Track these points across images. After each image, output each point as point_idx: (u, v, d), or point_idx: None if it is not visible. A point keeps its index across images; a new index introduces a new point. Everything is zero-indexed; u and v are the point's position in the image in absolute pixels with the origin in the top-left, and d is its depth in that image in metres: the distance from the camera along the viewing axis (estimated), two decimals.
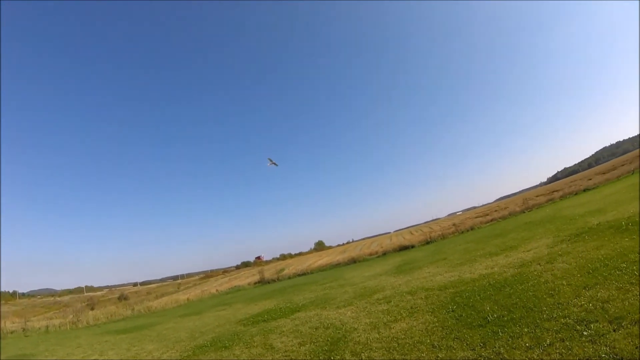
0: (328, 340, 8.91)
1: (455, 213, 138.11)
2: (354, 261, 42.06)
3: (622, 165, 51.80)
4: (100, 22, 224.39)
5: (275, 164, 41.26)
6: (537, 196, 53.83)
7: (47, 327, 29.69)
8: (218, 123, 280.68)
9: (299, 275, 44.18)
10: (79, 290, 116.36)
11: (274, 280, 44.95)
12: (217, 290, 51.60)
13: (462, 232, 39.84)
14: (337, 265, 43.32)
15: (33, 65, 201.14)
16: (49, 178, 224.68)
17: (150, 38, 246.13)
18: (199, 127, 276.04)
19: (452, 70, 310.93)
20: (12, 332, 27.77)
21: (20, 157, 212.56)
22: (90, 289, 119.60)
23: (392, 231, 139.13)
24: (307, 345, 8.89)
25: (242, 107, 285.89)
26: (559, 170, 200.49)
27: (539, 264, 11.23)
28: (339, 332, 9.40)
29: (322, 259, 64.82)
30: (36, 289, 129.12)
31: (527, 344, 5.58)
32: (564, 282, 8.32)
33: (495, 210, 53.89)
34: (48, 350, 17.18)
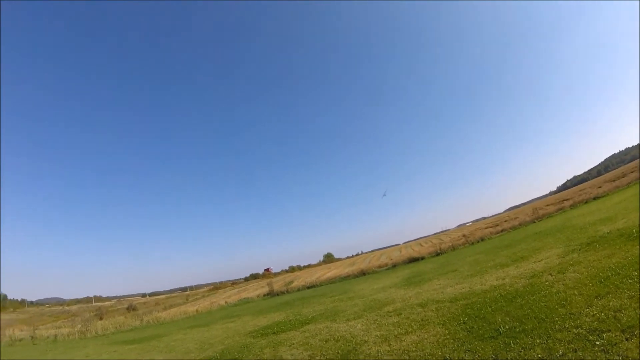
0: (338, 352, 8.88)
1: (465, 224, 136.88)
2: (363, 273, 41.81)
3: (632, 172, 51.22)
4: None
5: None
6: (547, 205, 53.35)
7: (55, 335, 29.86)
8: (231, 135, 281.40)
9: (308, 287, 44.00)
10: (87, 300, 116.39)
11: (282, 293, 44.81)
12: (225, 302, 51.45)
13: (472, 243, 39.53)
14: (346, 278, 43.11)
15: (49, 70, 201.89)
16: (58, 187, 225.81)
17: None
18: (209, 139, 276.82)
19: (457, 79, 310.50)
20: (20, 340, 28.04)
21: (31, 165, 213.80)
22: (99, 299, 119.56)
23: (401, 243, 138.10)
24: (318, 358, 8.87)
25: (255, 117, 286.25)
26: (569, 178, 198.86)
27: (550, 274, 11.15)
28: (349, 345, 9.36)
29: (331, 271, 64.55)
30: (45, 297, 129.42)
31: (539, 355, 5.54)
32: (576, 292, 8.25)
33: (505, 221, 53.37)
34: (56, 359, 17.26)
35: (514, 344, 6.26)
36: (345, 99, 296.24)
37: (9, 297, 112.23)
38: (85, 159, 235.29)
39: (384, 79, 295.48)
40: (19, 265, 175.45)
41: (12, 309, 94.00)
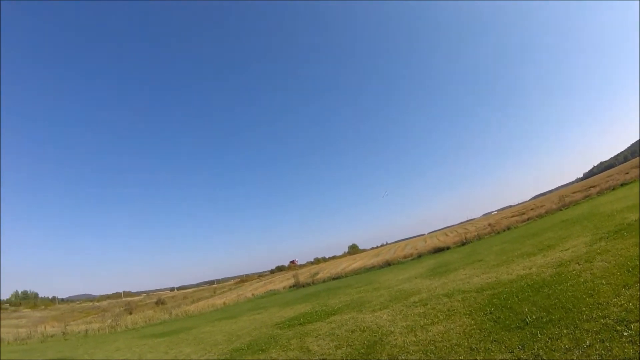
0: (364, 343, 8.97)
1: (491, 213, 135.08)
2: (388, 264, 41.76)
3: None
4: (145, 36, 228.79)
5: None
6: (573, 193, 52.25)
7: (86, 331, 30.69)
8: (257, 132, 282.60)
9: (333, 278, 44.17)
10: (117, 295, 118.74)
11: (308, 284, 45.10)
12: (252, 294, 52.08)
13: (498, 232, 39.08)
14: (371, 269, 43.09)
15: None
16: (85, 186, 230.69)
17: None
18: (237, 136, 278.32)
19: (480, 67, 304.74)
20: (52, 336, 28.85)
21: (60, 165, 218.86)
22: (128, 294, 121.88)
23: (426, 233, 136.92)
24: (344, 349, 8.98)
25: (280, 114, 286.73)
26: (595, 164, 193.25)
27: (578, 263, 11.02)
28: (375, 335, 9.45)
29: (356, 263, 64.60)
30: (75, 294, 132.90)
31: (566, 346, 5.53)
32: (604, 282, 8.17)
33: (532, 209, 52.55)
34: (87, 353, 17.79)
35: (540, 335, 6.26)
36: (367, 90, 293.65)
37: (40, 295, 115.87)
38: (112, 159, 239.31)
39: (406, 64, 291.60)
40: (49, 264, 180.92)
41: (43, 307, 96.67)
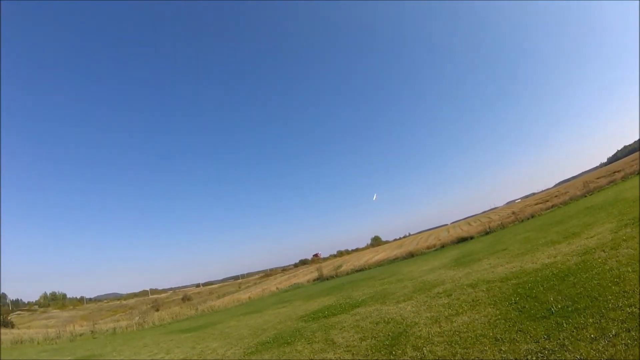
0: (389, 335, 9.02)
1: (514, 201, 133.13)
2: (411, 255, 41.72)
3: None
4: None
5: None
6: (597, 178, 51.30)
7: (114, 328, 31.36)
8: (281, 126, 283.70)
9: (357, 271, 44.35)
10: (144, 293, 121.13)
11: (332, 277, 45.38)
12: (277, 288, 52.61)
13: (522, 221, 38.69)
14: (395, 260, 43.11)
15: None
16: (108, 187, 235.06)
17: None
18: (256, 132, 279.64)
19: (503, 51, 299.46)
20: (80, 335, 29.48)
21: (86, 167, 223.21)
22: (154, 291, 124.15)
23: (449, 223, 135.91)
24: (368, 340, 9.04)
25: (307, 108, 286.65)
26: (619, 149, 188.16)
27: (603, 250, 10.87)
28: (399, 327, 9.49)
29: (379, 254, 64.61)
30: (103, 293, 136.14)
31: (592, 335, 5.50)
32: (629, 269, 8.06)
33: (555, 196, 51.74)
34: (115, 350, 18.17)
35: (566, 324, 6.22)
36: (396, 77, 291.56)
37: (68, 296, 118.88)
38: (139, 157, 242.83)
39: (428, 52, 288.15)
40: (77, 265, 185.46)
41: (71, 307, 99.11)
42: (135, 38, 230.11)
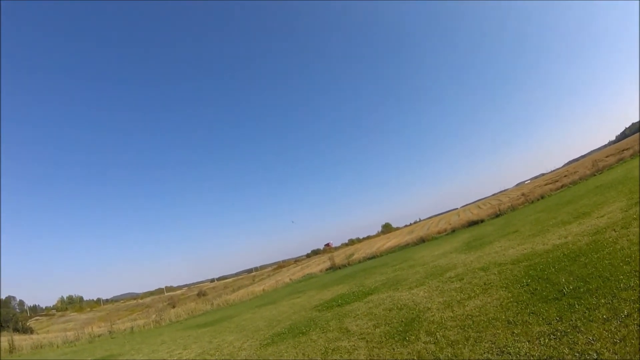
0: (402, 321, 9.10)
1: (524, 182, 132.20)
2: (422, 241, 41.69)
3: None
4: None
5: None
6: (606, 157, 50.76)
7: (131, 328, 31.78)
8: (287, 116, 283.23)
9: (369, 258, 44.45)
10: (159, 291, 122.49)
11: (344, 266, 45.50)
12: (290, 279, 52.90)
13: (532, 202, 38.49)
14: (406, 246, 43.17)
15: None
16: (118, 187, 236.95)
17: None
18: (264, 123, 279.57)
19: (522, 36, 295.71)
20: (99, 336, 29.87)
21: (97, 168, 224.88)
22: (170, 289, 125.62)
23: (459, 207, 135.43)
24: (382, 327, 9.12)
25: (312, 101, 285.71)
26: (627, 126, 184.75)
27: (614, 229, 10.83)
28: (412, 313, 9.56)
29: (390, 241, 64.74)
30: (119, 294, 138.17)
31: (604, 316, 5.52)
32: None
33: (565, 176, 51.33)
34: (134, 349, 18.39)
35: (578, 305, 6.25)
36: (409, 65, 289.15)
37: (85, 298, 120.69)
38: (149, 156, 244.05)
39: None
40: (92, 268, 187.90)
41: (89, 309, 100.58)
42: (135, 39, 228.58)
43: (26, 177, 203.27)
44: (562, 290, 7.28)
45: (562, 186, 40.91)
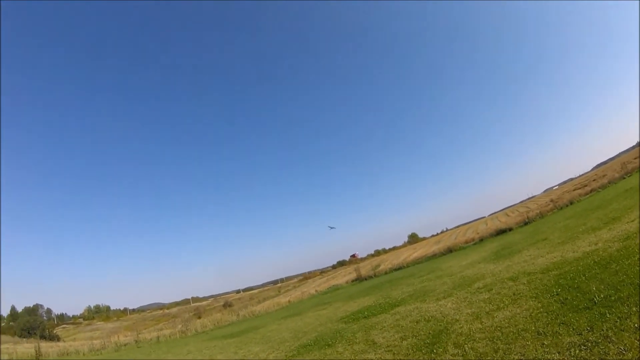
0: (430, 333, 9.03)
1: (552, 188, 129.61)
2: (449, 251, 41.16)
3: None
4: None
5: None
6: (634, 158, 49.58)
7: (157, 337, 32.19)
8: (312, 126, 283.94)
9: (395, 269, 44.06)
10: (185, 301, 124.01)
11: (370, 277, 45.22)
12: (316, 290, 52.94)
13: (561, 208, 37.75)
14: (433, 257, 42.68)
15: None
16: (145, 199, 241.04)
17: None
18: (288, 134, 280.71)
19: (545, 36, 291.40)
20: (125, 345, 30.42)
21: (125, 181, 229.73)
22: (196, 299, 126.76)
23: (486, 215, 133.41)
24: (409, 340, 9.06)
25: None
26: None
27: None
28: (440, 325, 9.48)
29: (417, 251, 64.29)
30: (146, 304, 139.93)
31: (636, 325, 5.42)
32: None
33: (594, 180, 50.34)
34: (160, 358, 18.66)
35: (609, 314, 6.14)
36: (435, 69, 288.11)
37: (112, 308, 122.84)
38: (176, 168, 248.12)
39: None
40: (119, 277, 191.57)
41: (115, 318, 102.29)
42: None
43: (59, 188, 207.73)
44: (593, 299, 7.15)
45: (590, 191, 40.07)
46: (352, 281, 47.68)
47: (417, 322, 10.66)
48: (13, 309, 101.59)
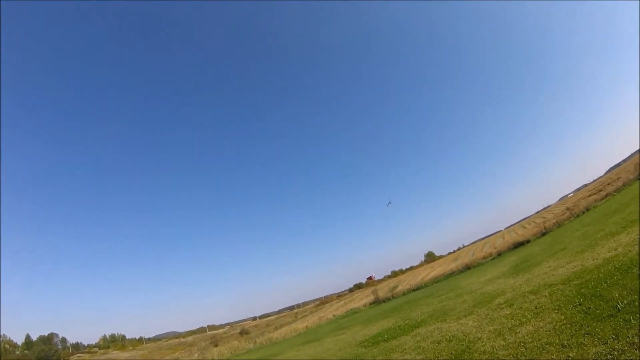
0: (452, 353, 8.86)
1: (567, 195, 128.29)
2: (467, 267, 40.69)
3: None
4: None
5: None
6: None
7: None
8: (329, 145, 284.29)
9: (413, 290, 43.57)
10: (201, 330, 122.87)
11: (388, 299, 44.70)
12: (333, 315, 52.29)
13: (578, 215, 37.18)
14: (451, 274, 42.20)
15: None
16: (158, 226, 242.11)
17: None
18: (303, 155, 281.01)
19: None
20: None
21: (136, 207, 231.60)
22: (212, 327, 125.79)
23: (503, 228, 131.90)
24: None
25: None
26: None
27: None
28: (462, 344, 9.30)
29: (435, 270, 63.57)
30: (161, 332, 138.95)
31: None
32: None
33: (608, 184, 49.65)
34: None
35: (634, 320, 5.99)
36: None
37: (127, 337, 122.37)
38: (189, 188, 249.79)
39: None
40: (134, 306, 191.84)
41: (131, 347, 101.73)
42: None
43: (78, 220, 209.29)
44: (617, 306, 6.98)
45: (606, 195, 39.54)
46: (370, 304, 47.13)
47: (438, 343, 10.46)
48: (28, 337, 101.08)
